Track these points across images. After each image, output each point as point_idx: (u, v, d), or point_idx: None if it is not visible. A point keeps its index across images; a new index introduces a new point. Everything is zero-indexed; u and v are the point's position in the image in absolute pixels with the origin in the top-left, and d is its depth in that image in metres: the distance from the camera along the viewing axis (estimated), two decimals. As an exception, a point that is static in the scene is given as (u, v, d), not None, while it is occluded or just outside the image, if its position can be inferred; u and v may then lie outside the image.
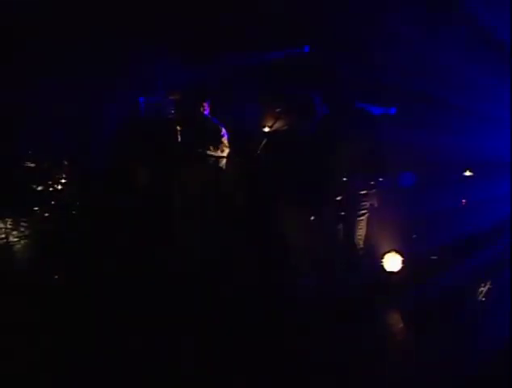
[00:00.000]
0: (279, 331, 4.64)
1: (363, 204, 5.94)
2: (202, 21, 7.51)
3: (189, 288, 5.38)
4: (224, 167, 6.46)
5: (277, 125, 7.00)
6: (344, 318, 4.86)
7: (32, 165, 6.22)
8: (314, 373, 3.88)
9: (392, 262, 5.85)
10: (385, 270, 5.86)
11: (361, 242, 5.94)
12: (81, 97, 6.79)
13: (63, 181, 6.22)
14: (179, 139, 6.47)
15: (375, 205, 5.95)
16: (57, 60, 6.83)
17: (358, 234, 5.94)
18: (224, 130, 6.45)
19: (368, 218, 5.96)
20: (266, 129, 6.99)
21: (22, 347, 4.17)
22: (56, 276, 5.69)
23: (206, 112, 6.60)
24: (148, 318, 4.70)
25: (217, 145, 6.37)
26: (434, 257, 6.05)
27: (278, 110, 7.09)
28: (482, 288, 5.24)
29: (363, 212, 5.94)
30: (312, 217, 6.19)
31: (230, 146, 6.49)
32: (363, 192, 5.89)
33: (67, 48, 6.85)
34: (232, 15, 7.74)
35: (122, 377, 3.77)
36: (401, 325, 5.00)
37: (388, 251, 5.89)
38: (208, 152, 6.34)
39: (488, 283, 5.27)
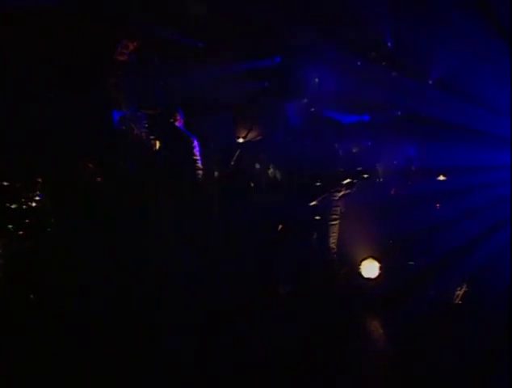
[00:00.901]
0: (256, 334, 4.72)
1: (335, 209, 6.01)
2: (176, 34, 7.55)
3: (164, 300, 5.40)
4: (196, 178, 6.43)
5: (250, 136, 7.05)
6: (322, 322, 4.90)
7: (5, 183, 6.12)
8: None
9: (370, 268, 5.88)
10: (363, 276, 5.90)
11: (335, 247, 6.00)
12: (54, 111, 6.72)
13: (37, 198, 6.13)
14: (153, 151, 6.45)
15: (343, 210, 6.03)
16: (30, 74, 6.79)
17: (332, 238, 5.99)
18: (195, 142, 6.43)
19: (340, 223, 6.03)
20: (240, 140, 7.02)
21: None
22: (32, 296, 5.61)
23: (179, 124, 6.57)
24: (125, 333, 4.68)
25: (189, 156, 6.34)
26: (411, 262, 6.11)
27: (251, 120, 7.14)
28: (458, 292, 5.30)
29: (336, 217, 6.00)
30: (280, 226, 6.27)
31: (203, 157, 6.46)
32: (335, 198, 5.96)
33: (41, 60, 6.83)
34: (203, 27, 7.80)
35: None
36: (381, 331, 5.06)
37: (366, 258, 5.94)
38: (181, 163, 6.32)
39: (464, 286, 5.33)
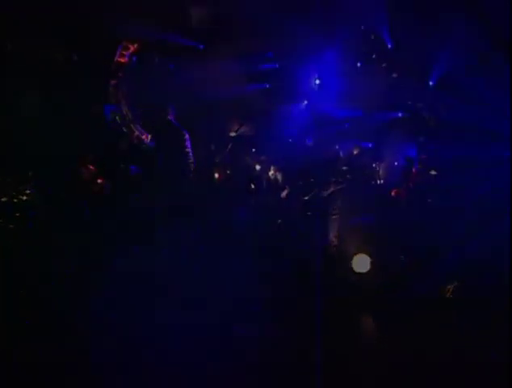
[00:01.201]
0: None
1: (335, 204, 6.01)
2: (176, 35, 7.62)
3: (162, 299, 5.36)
4: (189, 171, 6.41)
5: (242, 130, 7.05)
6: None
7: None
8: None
9: (361, 263, 5.81)
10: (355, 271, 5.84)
11: (335, 240, 5.98)
12: (46, 107, 6.78)
13: (28, 192, 6.15)
14: (144, 145, 6.48)
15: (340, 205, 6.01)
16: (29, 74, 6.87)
17: (333, 232, 5.98)
18: (187, 135, 6.42)
19: (339, 218, 6.02)
20: (232, 134, 7.03)
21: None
22: (22, 291, 5.61)
23: (170, 117, 6.57)
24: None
25: (181, 148, 6.33)
26: (402, 257, 6.03)
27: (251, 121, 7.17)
28: (449, 287, 5.23)
29: (336, 212, 6.00)
30: (279, 220, 6.24)
31: (194, 151, 6.45)
32: (325, 195, 5.95)
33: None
34: (204, 28, 7.86)
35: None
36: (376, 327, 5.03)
37: (357, 253, 5.87)
38: (173, 157, 6.32)
39: (455, 281, 5.26)
